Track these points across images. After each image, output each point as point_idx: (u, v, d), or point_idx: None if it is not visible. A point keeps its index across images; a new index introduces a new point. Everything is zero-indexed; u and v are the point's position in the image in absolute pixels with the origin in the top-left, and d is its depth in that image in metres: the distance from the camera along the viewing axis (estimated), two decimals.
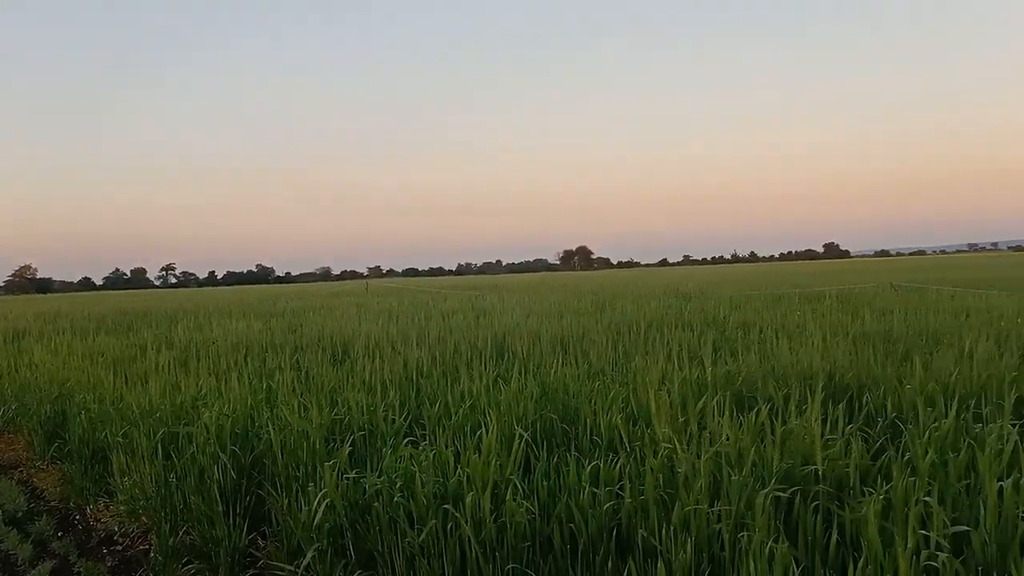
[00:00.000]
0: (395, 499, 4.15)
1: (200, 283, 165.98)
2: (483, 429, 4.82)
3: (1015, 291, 16.15)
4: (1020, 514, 3.05)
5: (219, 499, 5.05)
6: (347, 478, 4.49)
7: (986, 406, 5.03)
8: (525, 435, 4.82)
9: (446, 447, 4.69)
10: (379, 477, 4.40)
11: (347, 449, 4.90)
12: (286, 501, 4.67)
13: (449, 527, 3.92)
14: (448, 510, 3.95)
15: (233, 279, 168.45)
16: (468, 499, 3.89)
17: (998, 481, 3.26)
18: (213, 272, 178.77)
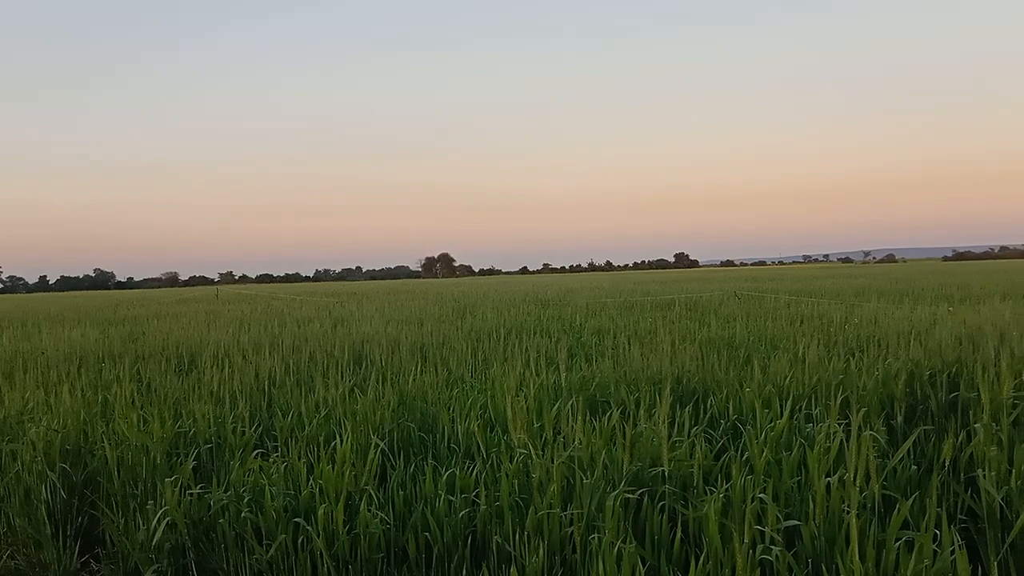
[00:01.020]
0: (242, 514, 3.99)
1: (29, 288, 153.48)
2: (338, 439, 4.72)
3: (842, 300, 17.43)
4: (845, 508, 3.27)
5: (47, 520, 4.68)
6: (191, 494, 4.27)
7: (816, 407, 5.38)
8: (381, 444, 4.75)
9: (299, 459, 4.54)
10: (226, 492, 4.21)
11: (191, 463, 4.67)
12: (123, 520, 4.39)
13: (300, 541, 3.80)
14: (300, 524, 3.83)
15: (67, 285, 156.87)
16: (321, 511, 3.78)
17: (826, 477, 3.49)
18: (44, 277, 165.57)
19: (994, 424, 4.36)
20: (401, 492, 4.12)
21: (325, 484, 4.00)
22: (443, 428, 5.32)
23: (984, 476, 3.85)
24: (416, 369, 7.53)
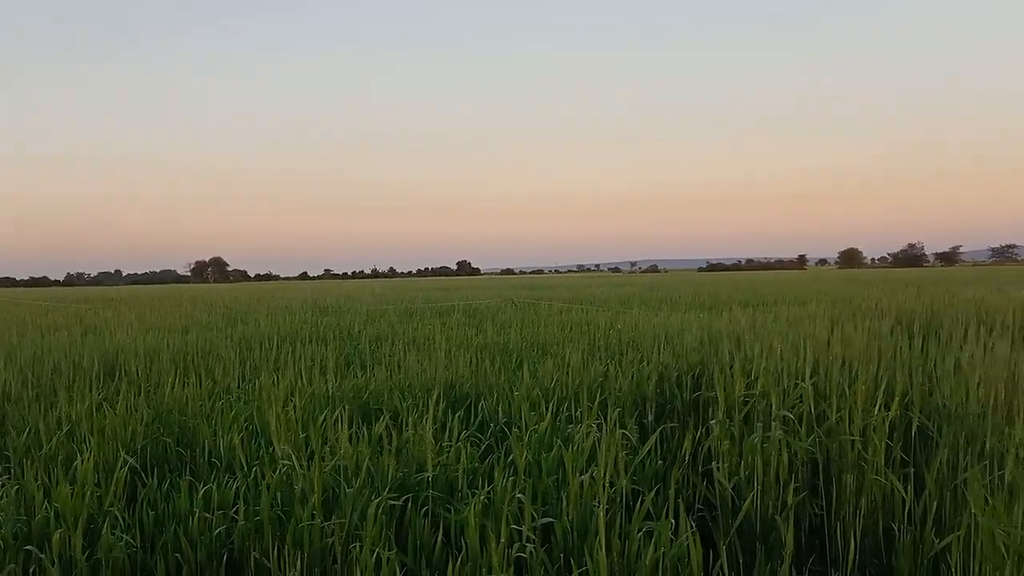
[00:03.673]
0: None
1: None
2: (79, 458, 4.33)
3: (608, 307, 18.55)
4: (596, 503, 3.49)
5: None
6: None
7: (578, 408, 5.68)
8: (131, 461, 4.43)
9: (34, 480, 4.12)
10: None
11: None
12: None
13: (32, 571, 3.45)
14: (32, 552, 3.47)
15: None
16: (56, 537, 3.45)
17: (580, 475, 3.70)
18: None
19: (728, 420, 4.83)
20: (152, 512, 3.86)
21: (62, 507, 3.65)
22: (203, 442, 5.04)
23: (718, 468, 4.26)
24: (176, 380, 7.08)
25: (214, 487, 3.95)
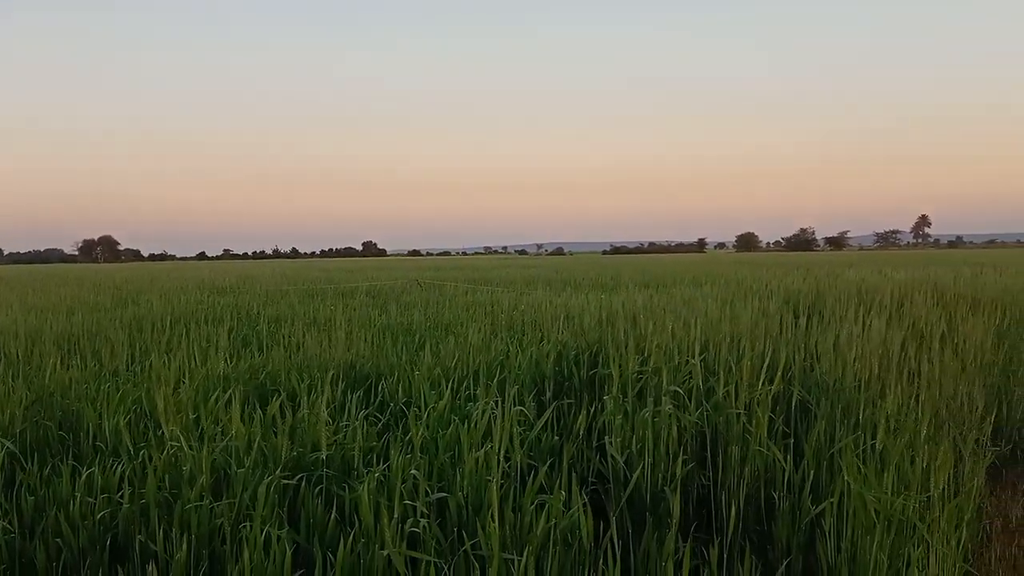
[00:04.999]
0: None
1: None
2: None
3: (514, 288, 18.69)
4: (488, 478, 3.54)
5: None
6: None
7: (478, 387, 5.73)
8: (8, 445, 4.24)
9: None
10: None
11: None
12: None
13: None
14: None
15: None
16: None
17: (476, 451, 3.75)
18: None
19: (622, 396, 4.97)
20: (31, 497, 3.71)
21: None
22: (88, 425, 4.86)
23: (611, 442, 4.38)
24: (59, 363, 6.76)
25: (97, 471, 3.83)
